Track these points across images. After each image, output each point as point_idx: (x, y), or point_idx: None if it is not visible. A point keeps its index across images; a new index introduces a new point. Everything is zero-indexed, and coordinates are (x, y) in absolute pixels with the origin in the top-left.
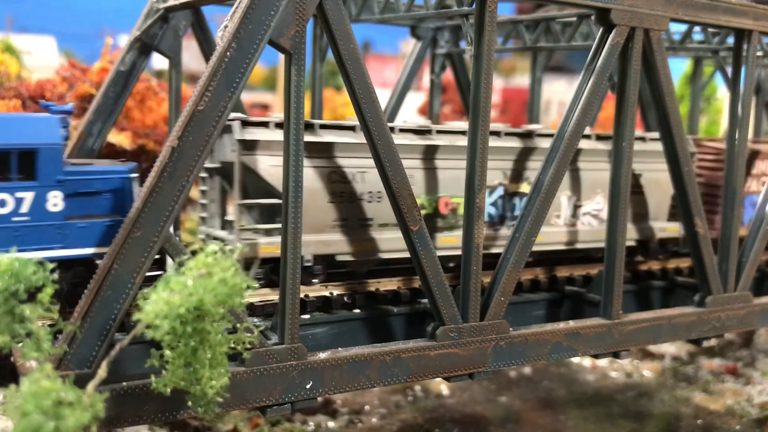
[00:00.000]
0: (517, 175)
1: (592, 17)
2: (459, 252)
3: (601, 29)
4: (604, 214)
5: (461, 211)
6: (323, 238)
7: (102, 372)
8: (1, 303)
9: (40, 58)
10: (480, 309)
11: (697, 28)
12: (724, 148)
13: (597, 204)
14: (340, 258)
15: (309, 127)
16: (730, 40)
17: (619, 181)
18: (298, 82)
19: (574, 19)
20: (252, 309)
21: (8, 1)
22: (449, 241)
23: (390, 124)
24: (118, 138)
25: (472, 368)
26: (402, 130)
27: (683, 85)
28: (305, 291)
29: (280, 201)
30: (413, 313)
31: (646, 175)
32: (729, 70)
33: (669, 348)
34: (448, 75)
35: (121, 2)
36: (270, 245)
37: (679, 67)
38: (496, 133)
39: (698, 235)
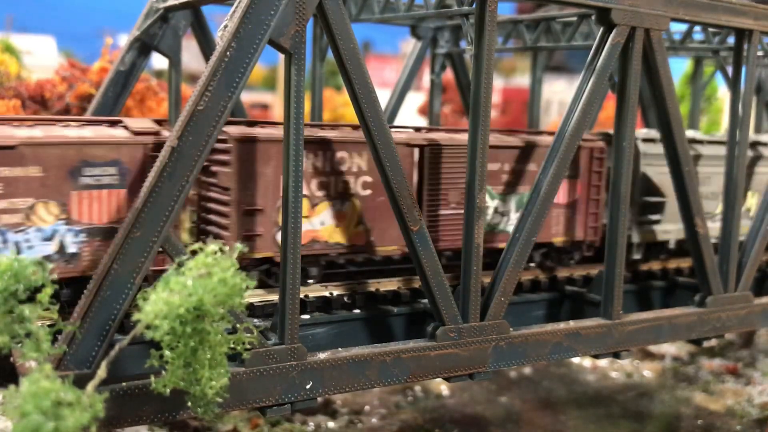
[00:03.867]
0: None
1: (593, 17)
2: None
3: (601, 29)
4: None
5: None
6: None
7: (101, 372)
8: (0, 303)
9: (40, 58)
10: (480, 309)
11: (697, 28)
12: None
13: None
14: None
15: None
16: (731, 40)
17: (620, 181)
18: (298, 82)
19: (575, 18)
20: (252, 309)
21: (8, 1)
22: None
23: None
24: None
25: (473, 368)
26: None
27: (684, 84)
28: (305, 291)
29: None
30: (413, 313)
31: None
32: (729, 69)
33: (669, 348)
34: (448, 75)
35: (121, 2)
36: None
37: (679, 67)
38: None
39: (698, 235)
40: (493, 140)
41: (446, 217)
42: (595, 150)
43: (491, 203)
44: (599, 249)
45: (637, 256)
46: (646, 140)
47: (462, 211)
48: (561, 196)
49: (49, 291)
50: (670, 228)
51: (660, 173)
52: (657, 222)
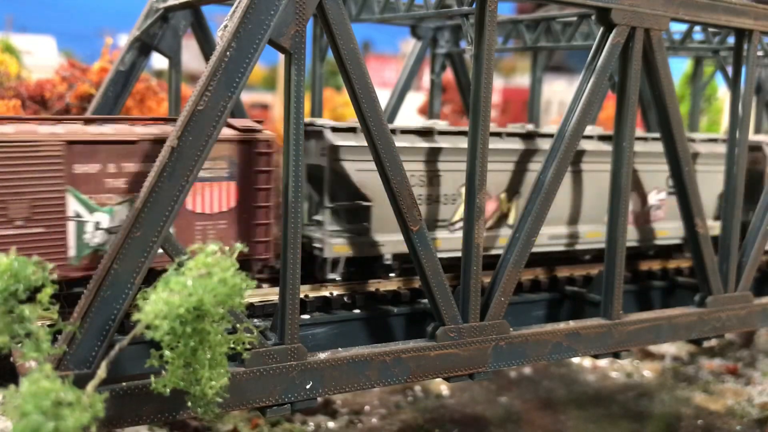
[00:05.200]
0: None
1: (593, 17)
2: None
3: (601, 29)
4: None
5: None
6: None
7: (101, 372)
8: (0, 303)
9: (40, 58)
10: (480, 309)
11: (697, 28)
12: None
13: None
14: None
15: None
16: (731, 40)
17: (620, 181)
18: (298, 82)
19: (575, 18)
20: (252, 309)
21: (8, 1)
22: None
23: None
24: None
25: (473, 368)
26: None
27: (684, 84)
28: (305, 291)
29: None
30: (413, 313)
31: None
32: (729, 69)
33: (669, 348)
34: (448, 75)
35: (121, 2)
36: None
37: (679, 67)
38: None
39: (698, 235)
40: (94, 134)
41: (6, 239)
42: (259, 144)
43: (89, 218)
44: (276, 268)
45: (333, 275)
46: (336, 130)
47: (34, 230)
48: (207, 204)
49: (49, 291)
50: (382, 239)
51: (361, 170)
52: (363, 232)
